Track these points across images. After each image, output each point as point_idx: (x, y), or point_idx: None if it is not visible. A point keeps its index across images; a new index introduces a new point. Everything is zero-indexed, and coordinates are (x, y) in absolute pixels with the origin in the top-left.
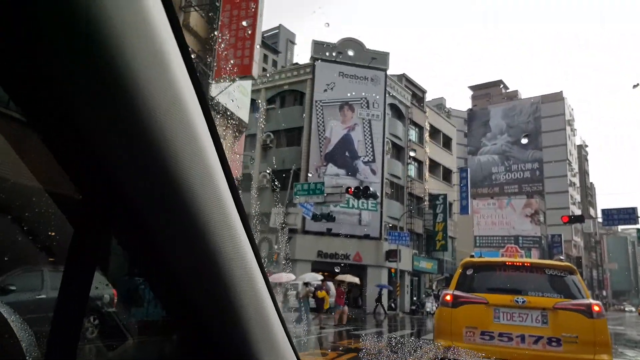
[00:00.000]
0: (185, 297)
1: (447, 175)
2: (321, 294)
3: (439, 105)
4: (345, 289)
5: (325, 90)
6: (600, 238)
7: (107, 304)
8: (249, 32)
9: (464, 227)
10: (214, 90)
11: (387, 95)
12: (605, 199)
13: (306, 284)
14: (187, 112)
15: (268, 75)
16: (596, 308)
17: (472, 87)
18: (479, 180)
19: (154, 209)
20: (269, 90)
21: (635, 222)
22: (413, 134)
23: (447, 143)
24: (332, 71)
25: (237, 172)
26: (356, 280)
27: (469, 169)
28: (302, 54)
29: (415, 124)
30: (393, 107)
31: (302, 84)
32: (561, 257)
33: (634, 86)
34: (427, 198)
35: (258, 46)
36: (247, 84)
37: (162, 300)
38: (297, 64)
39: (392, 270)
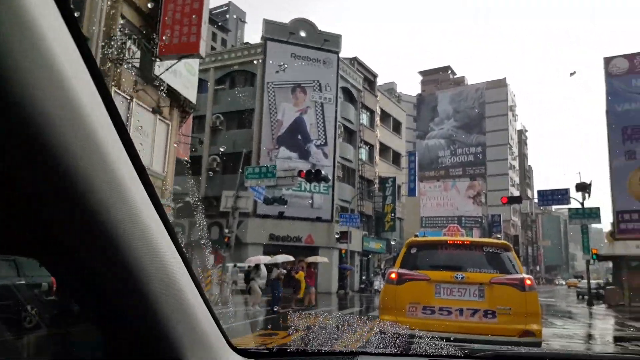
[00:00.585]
0: (89, 280)
1: (396, 158)
2: (299, 275)
3: (390, 90)
4: (315, 270)
5: (277, 72)
6: (535, 217)
7: (46, 292)
8: (196, 7)
9: (411, 209)
10: (159, 68)
11: (339, 78)
12: (542, 181)
13: (277, 266)
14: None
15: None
16: (528, 282)
17: (421, 72)
18: (427, 163)
19: (49, 194)
20: (218, 70)
21: (568, 202)
22: (364, 118)
23: (397, 127)
24: (284, 52)
25: (184, 155)
26: (325, 260)
27: (417, 153)
28: (253, 34)
29: (367, 108)
30: (345, 90)
31: (253, 64)
32: (498, 235)
33: (571, 74)
34: (377, 181)
35: (205, 23)
36: (194, 63)
37: (65, 285)
38: (247, 43)
39: (343, 251)
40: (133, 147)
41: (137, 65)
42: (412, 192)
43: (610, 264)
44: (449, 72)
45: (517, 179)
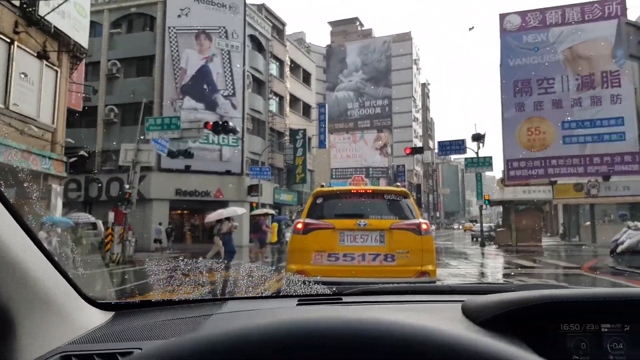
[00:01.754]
0: None
1: (306, 110)
2: (273, 226)
3: (299, 40)
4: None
5: (179, 16)
6: (436, 167)
7: None
8: None
9: (321, 161)
10: (43, 7)
11: (246, 25)
12: (443, 132)
13: (228, 219)
14: None
15: None
16: (424, 226)
17: (331, 23)
18: (336, 115)
19: None
20: (113, 12)
21: (464, 152)
22: (274, 68)
23: (306, 78)
24: None
25: (77, 105)
26: (272, 212)
27: (326, 105)
28: None
29: (276, 58)
30: (253, 39)
31: (152, 7)
32: (398, 184)
33: (470, 28)
34: (287, 133)
35: None
36: (85, 3)
37: None
38: None
39: (254, 205)
40: None
41: (18, 3)
42: (322, 144)
43: (500, 209)
44: (357, 23)
45: (420, 131)
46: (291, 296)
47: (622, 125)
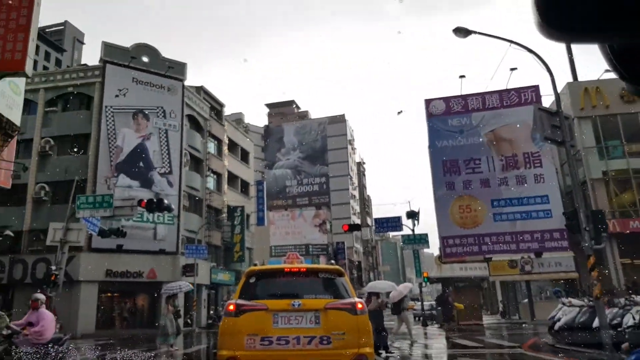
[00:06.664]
0: None
1: (244, 187)
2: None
3: (238, 120)
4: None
5: (117, 96)
6: (375, 244)
7: None
8: (23, 22)
9: (260, 238)
10: None
11: (184, 106)
12: (379, 209)
13: (377, 295)
14: None
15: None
16: (359, 305)
17: (268, 105)
18: (275, 192)
19: None
20: (49, 90)
21: (401, 229)
22: (212, 147)
23: (245, 156)
24: (125, 76)
25: (6, 182)
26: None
27: (265, 182)
28: (93, 57)
29: (214, 137)
30: (191, 118)
31: (90, 87)
32: (332, 262)
33: (399, 112)
34: (225, 210)
35: (33, 40)
36: (20, 82)
37: None
38: (85, 65)
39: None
40: None
41: None
42: (261, 221)
43: (440, 286)
44: (294, 106)
45: (357, 208)
46: None
47: (547, 203)
